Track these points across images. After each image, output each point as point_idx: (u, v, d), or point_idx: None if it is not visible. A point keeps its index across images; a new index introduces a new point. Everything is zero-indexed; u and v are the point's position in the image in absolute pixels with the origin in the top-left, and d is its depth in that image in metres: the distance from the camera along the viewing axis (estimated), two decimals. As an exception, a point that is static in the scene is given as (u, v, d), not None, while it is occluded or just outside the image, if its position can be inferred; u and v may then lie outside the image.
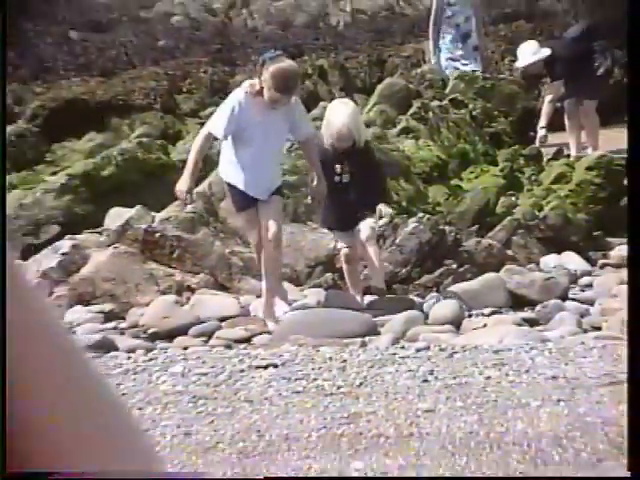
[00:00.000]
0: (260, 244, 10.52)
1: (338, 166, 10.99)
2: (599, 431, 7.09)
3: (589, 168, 13.41)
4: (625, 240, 12.62)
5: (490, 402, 7.68)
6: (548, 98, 16.62)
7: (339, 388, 8.22)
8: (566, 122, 16.60)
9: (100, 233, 12.49)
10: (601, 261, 12.40)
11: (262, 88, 10.30)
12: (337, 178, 11.01)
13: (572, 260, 12.13)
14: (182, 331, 10.75)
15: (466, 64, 17.79)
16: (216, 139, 10.68)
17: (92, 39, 22.47)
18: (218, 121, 10.49)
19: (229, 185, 10.69)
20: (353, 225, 11.01)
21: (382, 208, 11.14)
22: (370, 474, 6.34)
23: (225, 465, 6.72)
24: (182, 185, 10.55)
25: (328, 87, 18.17)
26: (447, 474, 6.33)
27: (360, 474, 6.33)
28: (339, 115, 11.06)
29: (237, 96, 10.50)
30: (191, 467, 6.67)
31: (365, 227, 10.97)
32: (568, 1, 22.84)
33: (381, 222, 11.45)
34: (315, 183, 10.90)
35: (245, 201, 10.51)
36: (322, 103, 15.06)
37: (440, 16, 17.93)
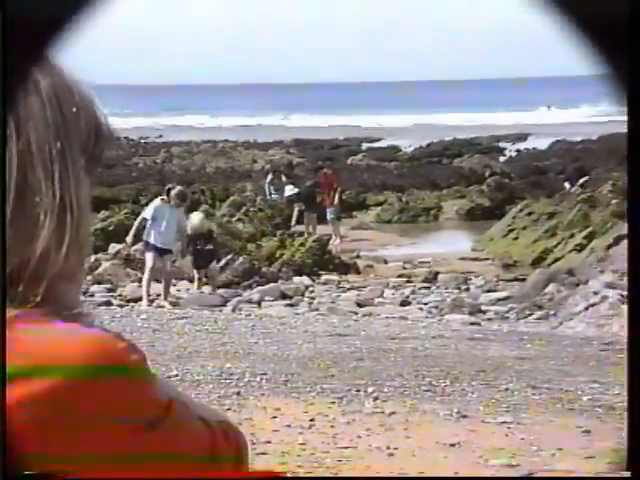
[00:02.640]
0: (154, 269, 9.59)
1: (198, 241, 10.44)
2: (333, 355, 6.67)
3: (314, 241, 13.10)
4: (324, 272, 12.36)
5: (286, 340, 7.13)
6: (296, 209, 16.26)
7: (218, 329, 7.61)
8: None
9: (106, 254, 11.73)
10: (317, 280, 12.06)
11: (167, 199, 9.66)
12: (198, 246, 10.49)
13: (306, 279, 11.76)
14: (141, 299, 9.96)
15: (278, 196, 17.25)
16: (146, 219, 9.74)
17: (105, 172, 21.45)
18: (147, 212, 9.83)
19: (146, 242, 9.73)
20: (205, 267, 10.53)
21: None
22: (243, 368, 5.73)
23: (177, 360, 6.02)
24: (128, 239, 10.06)
25: (205, 199, 17.52)
26: (280, 376, 5.75)
27: (239, 368, 5.72)
28: (195, 219, 10.57)
29: (155, 202, 9.92)
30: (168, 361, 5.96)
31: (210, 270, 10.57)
32: (308, 168, 22.42)
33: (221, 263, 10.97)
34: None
35: (152, 250, 9.62)
36: (203, 207, 14.53)
37: (271, 180, 17.45)
